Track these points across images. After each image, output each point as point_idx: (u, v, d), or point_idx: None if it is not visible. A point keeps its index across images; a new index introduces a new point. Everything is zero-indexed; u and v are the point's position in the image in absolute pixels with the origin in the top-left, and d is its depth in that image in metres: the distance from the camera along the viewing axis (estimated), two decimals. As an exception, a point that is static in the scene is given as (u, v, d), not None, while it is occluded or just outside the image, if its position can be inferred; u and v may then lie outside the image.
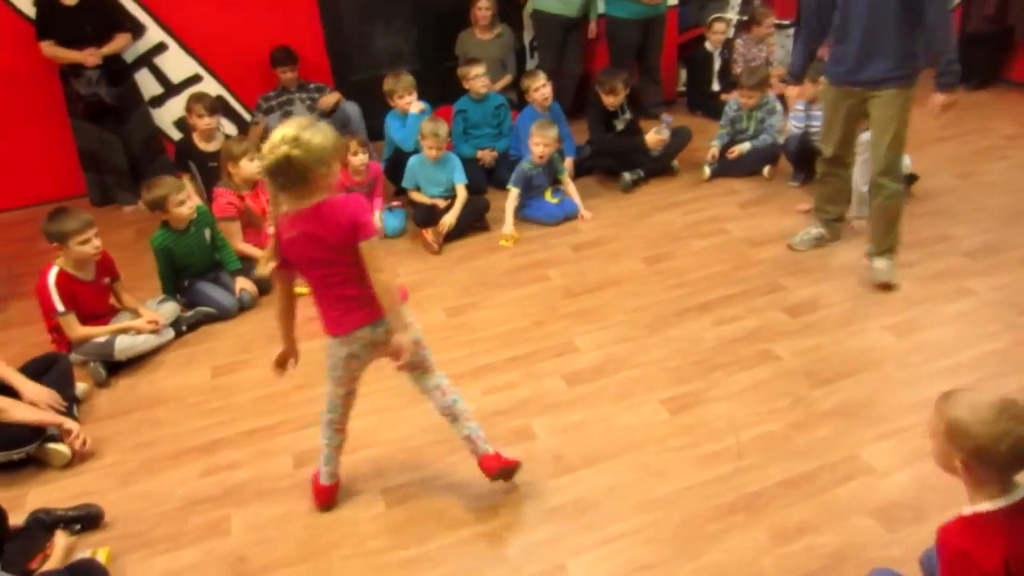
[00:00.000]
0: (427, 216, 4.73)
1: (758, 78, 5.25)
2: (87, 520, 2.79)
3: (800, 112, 5.09)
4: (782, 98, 5.43)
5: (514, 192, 4.84)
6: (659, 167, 5.42)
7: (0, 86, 5.28)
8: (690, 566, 2.44)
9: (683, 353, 3.49)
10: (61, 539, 2.59)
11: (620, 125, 5.36)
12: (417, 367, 2.62)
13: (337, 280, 2.39)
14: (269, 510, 2.79)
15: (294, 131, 2.21)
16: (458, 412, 2.67)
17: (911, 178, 4.82)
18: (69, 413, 3.24)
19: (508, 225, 4.76)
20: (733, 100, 5.47)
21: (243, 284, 4.16)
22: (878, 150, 3.74)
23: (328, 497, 2.79)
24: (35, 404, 3.11)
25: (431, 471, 2.91)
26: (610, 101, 5.22)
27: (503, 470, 2.70)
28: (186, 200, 3.94)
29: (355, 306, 2.42)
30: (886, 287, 3.82)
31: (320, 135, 2.25)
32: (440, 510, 2.73)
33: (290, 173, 2.22)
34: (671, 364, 3.43)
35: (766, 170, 5.31)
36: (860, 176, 4.43)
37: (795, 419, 3.04)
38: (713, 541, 2.52)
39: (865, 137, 4.37)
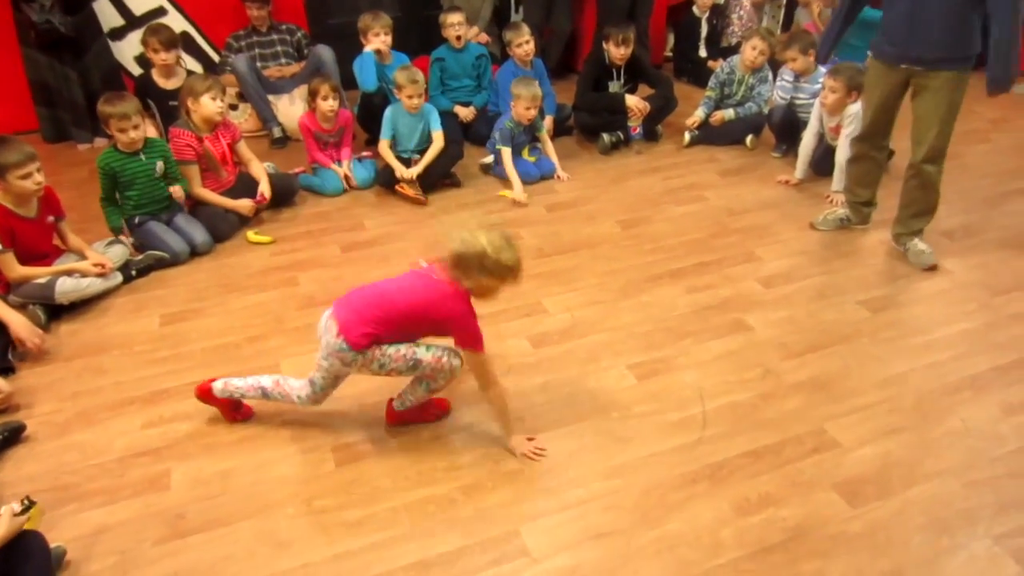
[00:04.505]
0: (389, 177, 4.56)
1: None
2: (10, 437, 2.73)
3: (787, 83, 4.96)
4: (773, 68, 5.28)
5: (507, 152, 4.63)
6: (644, 131, 5.30)
7: (-55, 11, 4.97)
8: (649, 535, 2.35)
9: (654, 319, 3.39)
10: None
11: (614, 89, 5.19)
12: None
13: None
14: (213, 465, 2.65)
15: (499, 241, 2.42)
16: None
17: (888, 154, 4.71)
18: (3, 363, 3.08)
19: (518, 188, 4.55)
20: (726, 63, 5.31)
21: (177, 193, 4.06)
22: (923, 135, 3.50)
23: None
24: (20, 339, 3.12)
25: (386, 430, 2.79)
26: (620, 54, 5.00)
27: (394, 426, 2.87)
28: (128, 129, 3.75)
29: None
30: (934, 269, 3.70)
31: (510, 254, 2.43)
32: (393, 470, 2.61)
33: (462, 260, 2.42)
34: (641, 330, 3.32)
35: (749, 140, 5.20)
36: (842, 151, 4.32)
37: (764, 390, 2.95)
38: (674, 510, 2.43)
39: (853, 109, 4.27)
